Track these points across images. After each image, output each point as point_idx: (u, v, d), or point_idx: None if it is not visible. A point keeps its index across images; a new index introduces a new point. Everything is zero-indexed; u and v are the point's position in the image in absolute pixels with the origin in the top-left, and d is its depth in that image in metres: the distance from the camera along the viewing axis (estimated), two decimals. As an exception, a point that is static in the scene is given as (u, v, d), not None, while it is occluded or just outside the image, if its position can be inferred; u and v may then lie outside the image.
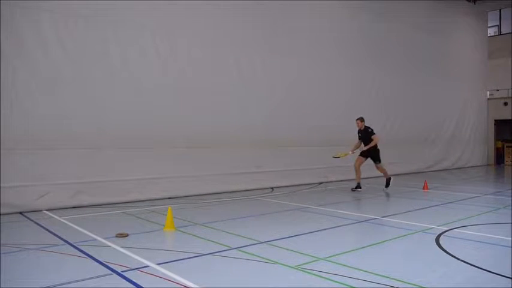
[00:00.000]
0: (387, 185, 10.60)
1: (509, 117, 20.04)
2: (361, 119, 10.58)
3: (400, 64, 15.48)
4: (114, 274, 4.16)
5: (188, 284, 3.87)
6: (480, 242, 5.50)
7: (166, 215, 6.37)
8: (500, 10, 21.28)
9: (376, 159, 10.51)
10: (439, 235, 5.79)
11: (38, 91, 7.88)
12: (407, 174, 15.29)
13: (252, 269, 4.41)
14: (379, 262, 4.60)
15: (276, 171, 11.38)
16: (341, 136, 13.21)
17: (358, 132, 10.63)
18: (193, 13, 9.96)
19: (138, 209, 8.00)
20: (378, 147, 10.49)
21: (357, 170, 10.61)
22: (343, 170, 13.24)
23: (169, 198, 9.37)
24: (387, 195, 10.05)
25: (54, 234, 5.90)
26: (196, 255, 4.84)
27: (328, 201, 9.06)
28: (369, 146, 10.30)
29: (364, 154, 10.53)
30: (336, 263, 4.51)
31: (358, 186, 10.53)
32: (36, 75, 7.88)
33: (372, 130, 10.41)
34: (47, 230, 6.24)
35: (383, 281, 3.94)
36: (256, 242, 5.47)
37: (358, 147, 10.63)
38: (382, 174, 10.81)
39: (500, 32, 21.69)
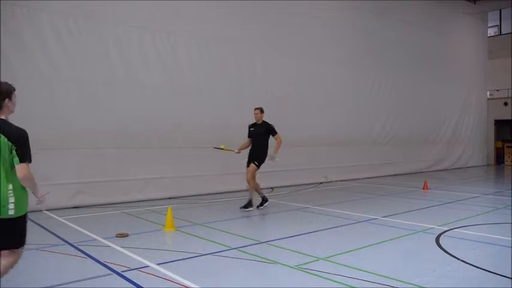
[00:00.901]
0: (261, 204, 8.25)
1: (509, 117, 20.02)
2: (261, 110, 8.22)
3: (400, 64, 15.47)
4: (114, 274, 4.16)
5: (188, 284, 3.87)
6: (480, 242, 5.50)
7: (166, 215, 6.37)
8: (500, 10, 21.25)
9: (260, 162, 8.05)
10: (439, 235, 5.79)
11: (38, 91, 7.87)
12: (407, 174, 15.30)
13: (252, 269, 4.41)
14: (379, 262, 4.60)
15: (276, 171, 11.36)
16: (341, 136, 13.25)
17: (251, 127, 8.31)
18: (193, 13, 9.96)
19: (138, 209, 8.00)
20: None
21: (256, 184, 8.12)
22: (344, 170, 13.29)
23: (169, 198, 9.37)
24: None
25: (54, 234, 5.90)
26: (196, 255, 4.84)
27: (328, 201, 9.06)
28: (277, 149, 7.98)
29: (254, 159, 8.05)
30: (336, 263, 4.51)
31: (264, 200, 8.31)
32: (36, 75, 7.88)
33: (275, 127, 8.16)
34: (47, 230, 6.24)
35: (383, 281, 3.94)
36: (256, 242, 5.47)
37: (245, 147, 8.35)
38: (252, 186, 8.05)
39: (500, 32, 21.66)
